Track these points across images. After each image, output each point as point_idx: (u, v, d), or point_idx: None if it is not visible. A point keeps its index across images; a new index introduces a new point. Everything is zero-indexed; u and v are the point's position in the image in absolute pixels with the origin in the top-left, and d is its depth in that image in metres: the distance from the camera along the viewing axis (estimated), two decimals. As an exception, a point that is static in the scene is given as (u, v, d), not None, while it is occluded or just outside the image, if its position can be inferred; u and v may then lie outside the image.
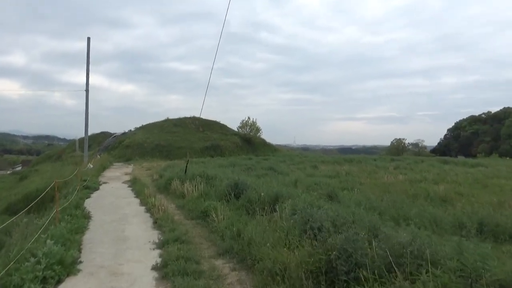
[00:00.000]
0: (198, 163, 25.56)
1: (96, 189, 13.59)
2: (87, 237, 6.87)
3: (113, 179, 17.60)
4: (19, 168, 57.88)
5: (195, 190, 10.27)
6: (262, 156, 37.06)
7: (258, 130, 43.05)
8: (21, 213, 8.00)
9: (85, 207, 9.10)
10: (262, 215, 6.90)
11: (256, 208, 7.68)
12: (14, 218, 7.42)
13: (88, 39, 24.99)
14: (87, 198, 11.57)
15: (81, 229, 7.10)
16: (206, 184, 10.81)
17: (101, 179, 17.20)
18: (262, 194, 7.97)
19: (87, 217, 8.22)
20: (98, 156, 29.33)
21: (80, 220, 7.56)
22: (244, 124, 42.79)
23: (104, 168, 23.04)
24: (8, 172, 52.93)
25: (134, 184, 14.37)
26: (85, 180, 14.57)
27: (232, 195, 8.67)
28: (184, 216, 8.71)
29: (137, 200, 10.98)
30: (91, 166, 16.41)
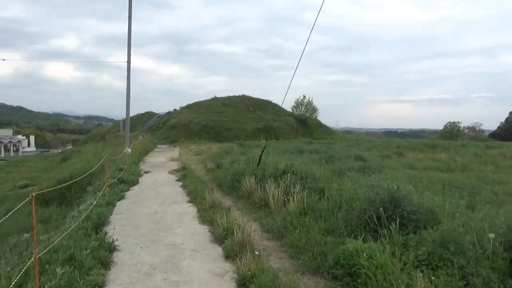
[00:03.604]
0: (252, 148, 21.41)
1: (134, 183, 9.86)
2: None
3: (157, 166, 13.97)
4: (69, 147, 58.48)
5: (292, 200, 5.94)
6: (319, 139, 32.23)
7: (314, 110, 37.90)
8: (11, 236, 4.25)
9: (107, 232, 5.09)
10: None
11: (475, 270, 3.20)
12: None
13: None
14: (119, 200, 7.78)
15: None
16: (302, 188, 6.47)
17: (142, 166, 13.62)
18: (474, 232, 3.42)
19: (107, 259, 4.20)
20: (141, 137, 26.30)
21: (89, 276, 3.55)
22: (298, 104, 37.79)
23: (147, 151, 19.76)
24: (59, 150, 53.43)
25: (185, 178, 10.43)
26: (121, 170, 10.96)
27: (395, 226, 4.14)
28: (291, 260, 4.44)
29: (193, 210, 6.92)
30: (129, 151, 12.80)
